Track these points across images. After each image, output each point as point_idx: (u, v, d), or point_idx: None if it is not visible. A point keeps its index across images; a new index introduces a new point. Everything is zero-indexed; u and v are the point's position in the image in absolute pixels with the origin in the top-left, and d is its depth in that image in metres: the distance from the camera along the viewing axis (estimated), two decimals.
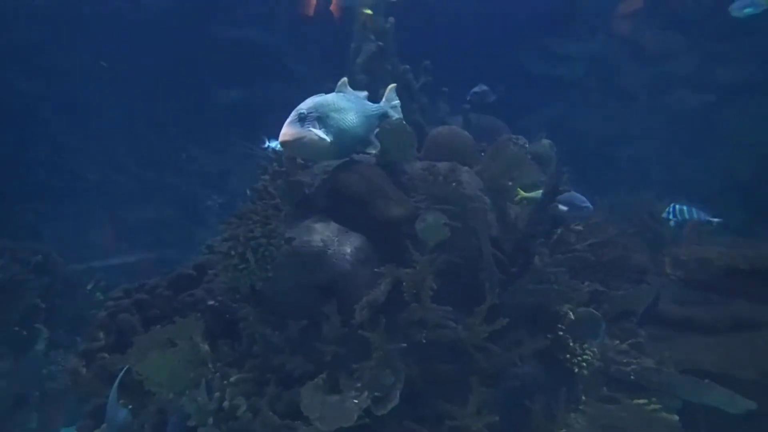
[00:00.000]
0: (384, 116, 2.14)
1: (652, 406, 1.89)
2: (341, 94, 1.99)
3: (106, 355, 2.43)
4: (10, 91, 4.92)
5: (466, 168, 2.22)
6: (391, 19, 3.00)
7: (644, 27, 5.48)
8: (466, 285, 2.04)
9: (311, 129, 1.82)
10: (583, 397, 1.93)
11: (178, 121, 5.53)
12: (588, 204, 2.40)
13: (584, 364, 1.89)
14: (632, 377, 1.99)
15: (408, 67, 2.90)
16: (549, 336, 1.96)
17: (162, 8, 5.25)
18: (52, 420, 3.70)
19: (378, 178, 2.21)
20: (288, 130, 1.82)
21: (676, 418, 1.88)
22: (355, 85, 2.86)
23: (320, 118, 1.85)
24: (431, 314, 1.88)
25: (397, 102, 2.24)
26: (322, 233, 2.09)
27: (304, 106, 1.86)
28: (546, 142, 2.95)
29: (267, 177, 2.33)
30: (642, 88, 5.62)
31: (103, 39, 5.05)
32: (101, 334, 2.54)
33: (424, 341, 1.92)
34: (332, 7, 5.43)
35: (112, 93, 5.21)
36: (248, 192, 2.55)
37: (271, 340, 2.00)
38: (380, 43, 2.85)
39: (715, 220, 3.16)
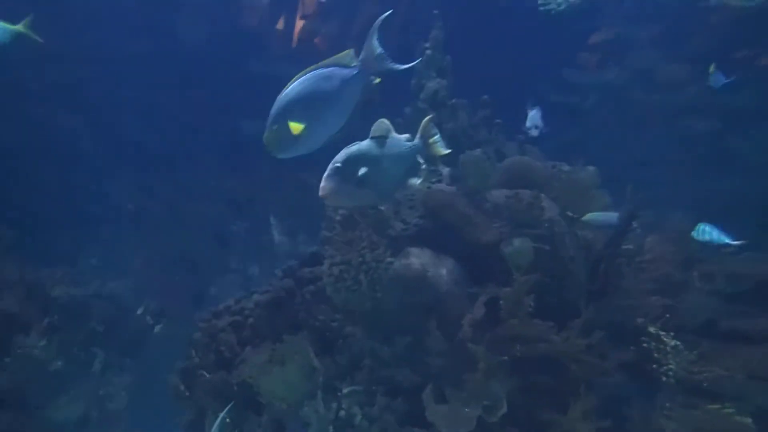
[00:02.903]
0: (417, 150, 2.07)
1: (728, 410, 2.10)
2: (374, 140, 1.95)
3: (204, 372, 2.59)
4: (53, 125, 5.10)
5: (543, 195, 2.45)
6: (449, 58, 3.25)
7: (655, 59, 5.84)
8: (552, 304, 2.25)
9: (349, 182, 1.85)
10: (667, 404, 2.14)
11: (209, 151, 5.72)
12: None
13: (670, 373, 2.11)
14: (705, 385, 2.20)
15: (465, 101, 3.15)
16: (633, 348, 2.17)
17: (198, 45, 5.49)
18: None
19: (464, 206, 2.44)
20: (326, 185, 1.85)
21: (750, 420, 2.09)
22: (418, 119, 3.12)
23: (357, 169, 1.86)
24: (531, 329, 2.08)
25: (436, 134, 2.14)
26: (419, 257, 2.31)
27: (340, 158, 1.88)
28: (591, 168, 3.18)
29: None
30: (652, 115, 5.96)
31: (142, 75, 5.27)
32: (194, 353, 2.71)
33: (519, 354, 2.13)
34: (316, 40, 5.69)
35: (149, 126, 5.42)
36: (327, 219, 2.73)
37: (379, 355, 2.19)
38: (443, 81, 3.09)
39: (736, 242, 3.42)
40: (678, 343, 2.19)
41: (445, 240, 2.41)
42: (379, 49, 1.89)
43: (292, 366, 2.20)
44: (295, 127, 1.83)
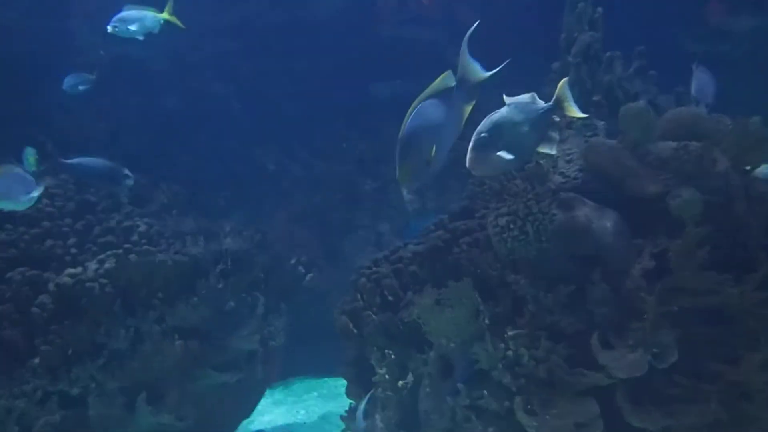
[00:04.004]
0: (551, 112, 2.07)
1: None
2: (513, 106, 2.00)
3: (371, 313, 2.86)
4: (206, 94, 5.61)
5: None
6: (600, 9, 3.19)
7: None
8: (722, 257, 2.23)
9: (494, 151, 1.92)
10: None
11: (342, 114, 6.02)
12: None
13: None
14: None
15: (619, 53, 3.09)
16: None
17: (330, 14, 5.74)
18: (272, 373, 4.29)
19: (626, 158, 2.45)
20: (473, 155, 1.92)
21: None
22: (567, 73, 3.11)
23: (501, 138, 1.93)
24: (703, 281, 2.10)
25: (569, 97, 2.08)
26: (581, 209, 2.37)
27: (484, 128, 1.93)
28: (756, 119, 3.01)
29: None
30: None
31: (281, 44, 5.64)
32: (359, 296, 2.99)
33: (688, 306, 2.15)
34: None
35: (289, 92, 5.80)
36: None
37: (543, 302, 2.31)
38: (595, 33, 3.05)
39: None
40: None
41: (606, 193, 2.45)
42: (472, 67, 1.96)
43: (461, 309, 2.38)
44: (425, 152, 1.91)
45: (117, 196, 3.62)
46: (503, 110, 1.97)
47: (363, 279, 2.97)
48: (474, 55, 2.04)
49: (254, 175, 5.99)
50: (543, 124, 2.03)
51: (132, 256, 3.18)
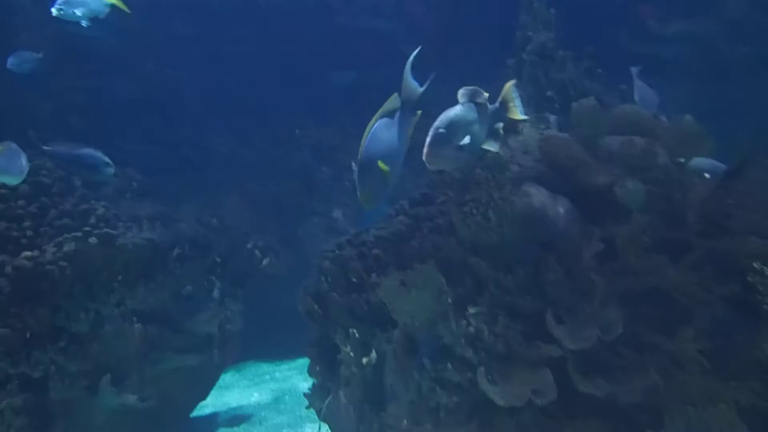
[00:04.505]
0: (495, 117, 2.20)
1: None
2: (466, 105, 2.10)
3: (336, 295, 2.97)
4: (161, 79, 5.51)
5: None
6: (553, 11, 3.40)
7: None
8: (662, 241, 2.47)
9: (450, 146, 2.03)
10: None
11: (298, 102, 6.05)
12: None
13: None
14: None
15: (570, 53, 3.31)
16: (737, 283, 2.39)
17: (288, 1, 5.77)
18: (229, 355, 4.33)
19: (578, 151, 2.66)
20: (431, 150, 2.02)
21: None
22: (523, 73, 3.31)
23: (456, 134, 2.04)
24: (646, 263, 2.33)
25: (516, 98, 2.24)
26: (537, 197, 2.56)
27: (441, 124, 2.04)
28: (689, 117, 3.28)
29: None
30: (738, 67, 5.88)
31: (236, 32, 5.61)
32: (324, 279, 3.08)
33: (632, 285, 2.38)
34: None
35: (245, 78, 5.79)
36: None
37: (502, 283, 2.49)
38: (549, 33, 3.25)
39: None
40: None
41: (559, 182, 2.65)
42: (413, 86, 2.16)
43: (426, 290, 2.52)
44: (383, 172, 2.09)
45: (99, 184, 3.56)
46: (457, 108, 2.08)
47: (327, 262, 3.07)
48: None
49: (208, 161, 5.95)
50: (491, 123, 2.17)
51: (92, 239, 3.14)
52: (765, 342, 2.32)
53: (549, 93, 3.11)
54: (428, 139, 2.02)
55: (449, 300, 2.54)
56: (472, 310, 2.48)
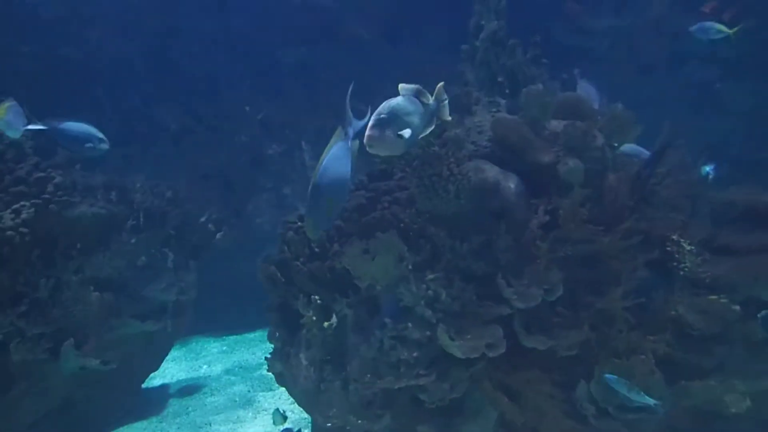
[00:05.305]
0: (433, 114, 2.34)
1: (723, 300, 2.73)
2: (407, 98, 2.24)
3: (299, 263, 3.13)
4: (111, 50, 5.39)
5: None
6: (504, 0, 3.65)
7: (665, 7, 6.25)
8: (597, 214, 2.79)
9: (391, 132, 2.14)
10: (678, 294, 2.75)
11: (249, 78, 6.08)
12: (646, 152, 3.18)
13: (686, 269, 2.70)
14: (707, 281, 2.81)
15: (518, 41, 3.57)
16: (658, 251, 2.76)
17: None
18: (181, 326, 4.40)
19: (527, 132, 2.94)
20: (372, 133, 2.13)
21: (738, 308, 2.71)
22: (476, 58, 3.55)
23: (396, 122, 2.16)
24: (583, 232, 2.64)
25: (446, 99, 2.39)
26: (491, 172, 2.82)
27: (383, 111, 2.17)
28: (620, 106, 3.63)
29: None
30: (659, 61, 6.44)
31: (191, 4, 5.55)
32: (287, 248, 3.23)
33: (569, 253, 2.69)
34: None
35: (194, 53, 5.74)
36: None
37: (458, 250, 2.73)
38: (501, 22, 3.50)
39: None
40: (693, 248, 2.77)
41: (509, 160, 2.92)
42: (352, 120, 2.35)
43: (388, 256, 2.74)
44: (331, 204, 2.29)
45: (92, 159, 3.53)
46: (399, 99, 2.23)
47: (291, 233, 3.22)
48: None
49: (157, 135, 5.88)
50: (427, 115, 2.31)
51: (52, 207, 3.14)
52: (678, 301, 2.70)
53: (500, 78, 3.36)
54: (370, 123, 2.14)
55: (409, 266, 2.76)
56: (430, 276, 2.71)
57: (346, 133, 2.31)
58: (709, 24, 4.59)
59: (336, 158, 2.28)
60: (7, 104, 2.76)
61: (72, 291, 3.23)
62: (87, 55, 5.23)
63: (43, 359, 3.01)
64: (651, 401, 2.47)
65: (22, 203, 3.15)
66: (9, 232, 2.93)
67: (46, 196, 3.18)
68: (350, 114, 2.35)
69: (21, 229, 2.97)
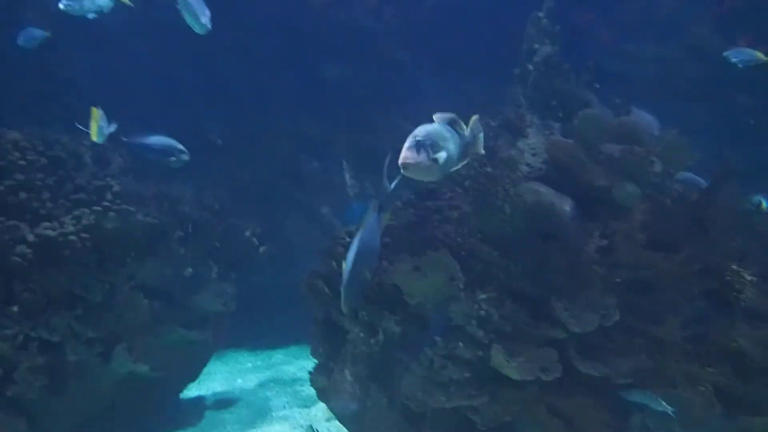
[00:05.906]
0: (468, 145, 2.31)
1: None
2: (443, 124, 2.21)
3: None
4: (159, 64, 5.54)
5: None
6: (558, 27, 3.67)
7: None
8: (655, 239, 2.76)
9: (426, 156, 2.09)
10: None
11: (290, 94, 6.18)
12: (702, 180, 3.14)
13: (747, 299, 2.64)
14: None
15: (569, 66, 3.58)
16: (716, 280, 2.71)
17: None
18: (220, 337, 4.44)
19: (582, 155, 2.93)
20: (408, 155, 2.08)
21: None
22: (528, 81, 3.56)
23: (432, 146, 2.11)
24: (642, 258, 2.60)
25: (481, 132, 2.38)
26: (546, 194, 2.81)
27: (420, 134, 2.12)
28: (674, 132, 3.56)
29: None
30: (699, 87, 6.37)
31: (236, 19, 5.69)
32: (335, 262, 3.25)
33: (628, 277, 2.66)
34: None
35: (240, 68, 5.88)
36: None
37: (511, 271, 2.72)
38: (556, 47, 3.52)
39: None
40: (754, 278, 2.71)
41: (562, 182, 2.92)
42: (387, 189, 2.40)
43: (439, 274, 2.74)
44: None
45: (173, 169, 3.67)
46: (435, 124, 2.20)
47: (340, 248, 3.24)
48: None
49: (200, 147, 5.99)
50: (462, 146, 2.27)
51: (111, 214, 3.23)
52: (738, 333, 2.64)
53: (553, 102, 3.36)
54: (406, 144, 2.09)
55: (460, 285, 2.75)
56: (482, 296, 2.70)
57: (380, 207, 2.38)
58: (744, 50, 4.53)
59: (370, 230, 2.39)
60: (100, 112, 2.96)
61: (124, 297, 3.29)
62: (138, 70, 5.39)
63: (96, 362, 3.06)
64: (669, 408, 2.50)
65: (83, 209, 3.24)
66: (71, 237, 3.01)
67: (106, 203, 3.27)
68: (387, 184, 2.36)
69: (82, 234, 3.05)
